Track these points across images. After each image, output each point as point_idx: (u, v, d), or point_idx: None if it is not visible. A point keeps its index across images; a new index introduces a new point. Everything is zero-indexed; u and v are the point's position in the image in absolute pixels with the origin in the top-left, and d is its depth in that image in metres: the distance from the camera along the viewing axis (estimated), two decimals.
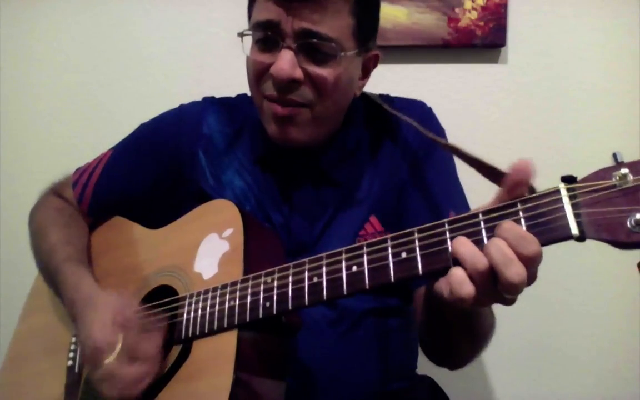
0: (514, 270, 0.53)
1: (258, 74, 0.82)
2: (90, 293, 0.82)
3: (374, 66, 0.91)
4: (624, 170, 0.52)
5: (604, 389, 1.35)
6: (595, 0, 1.31)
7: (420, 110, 0.95)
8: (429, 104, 0.98)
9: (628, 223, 0.50)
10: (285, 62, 0.78)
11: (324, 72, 0.79)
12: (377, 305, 0.89)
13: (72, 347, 0.89)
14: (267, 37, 0.80)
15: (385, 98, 0.97)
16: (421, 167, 0.91)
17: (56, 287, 0.89)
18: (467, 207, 0.89)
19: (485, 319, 0.77)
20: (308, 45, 0.78)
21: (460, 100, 1.34)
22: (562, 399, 1.37)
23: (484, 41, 1.30)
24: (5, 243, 1.43)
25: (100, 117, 1.40)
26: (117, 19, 1.39)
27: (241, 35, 0.83)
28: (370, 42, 0.86)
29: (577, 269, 1.31)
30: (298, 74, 0.79)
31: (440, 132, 0.95)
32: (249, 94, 0.91)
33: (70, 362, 0.88)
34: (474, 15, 1.29)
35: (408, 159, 0.91)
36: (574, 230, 0.53)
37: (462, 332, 0.77)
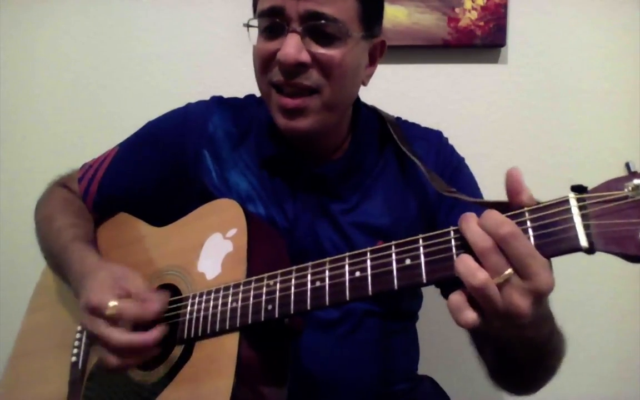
0: (493, 260, 0.52)
1: (264, 62, 0.81)
2: (95, 264, 0.83)
3: (381, 54, 0.90)
4: (637, 181, 0.51)
5: (604, 388, 1.36)
6: (595, 0, 1.31)
7: (437, 141, 0.94)
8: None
9: None
10: (292, 46, 0.77)
11: (331, 52, 0.79)
12: (379, 307, 0.89)
13: (76, 343, 0.89)
14: (272, 24, 0.79)
15: (402, 123, 0.96)
16: (443, 209, 0.89)
17: (62, 267, 0.89)
18: None
19: (554, 349, 0.71)
20: (314, 28, 0.78)
21: (460, 100, 1.34)
22: (562, 399, 1.37)
23: (484, 41, 1.30)
24: (6, 243, 1.43)
25: (100, 117, 1.40)
26: (117, 18, 1.39)
27: (247, 25, 0.83)
28: (375, 28, 0.86)
29: (577, 269, 1.31)
30: (305, 56, 0.78)
31: (459, 162, 0.94)
32: (254, 93, 0.90)
33: (74, 358, 0.88)
34: (474, 15, 1.29)
35: (429, 198, 0.89)
36: (583, 242, 0.52)
37: (528, 360, 0.71)
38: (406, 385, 0.94)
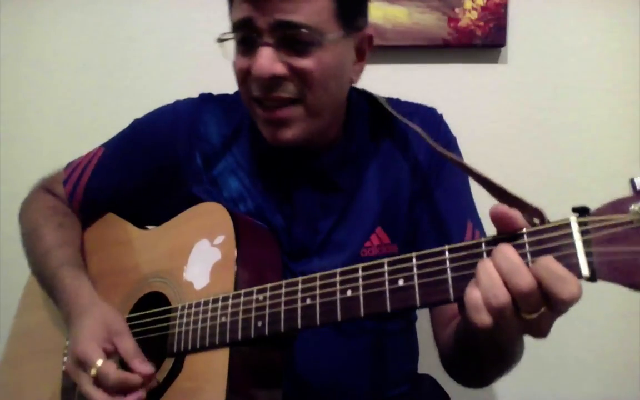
0: (497, 292, 0.50)
1: (242, 77, 0.79)
2: (88, 304, 0.81)
3: (370, 47, 0.85)
4: None
5: (604, 389, 1.36)
6: (595, 0, 1.31)
7: (430, 117, 0.91)
8: (428, 103, 0.96)
9: None
10: (264, 58, 0.74)
11: (307, 62, 0.75)
12: None
13: (66, 351, 0.87)
14: (244, 38, 0.77)
15: (395, 102, 0.93)
16: (431, 181, 0.88)
17: (52, 291, 0.88)
18: (479, 224, 0.86)
19: (517, 347, 0.71)
20: (286, 38, 0.74)
21: (460, 100, 1.34)
22: (563, 399, 1.37)
23: (484, 41, 1.30)
24: (6, 243, 1.43)
25: (99, 117, 1.40)
26: (116, 19, 1.39)
27: (221, 40, 0.79)
28: (358, 21, 0.80)
29: None
30: (279, 69, 0.75)
31: (451, 140, 0.91)
32: None
33: (65, 367, 0.86)
34: (474, 15, 1.29)
35: (418, 170, 0.88)
36: (585, 270, 0.49)
37: (494, 360, 0.72)
38: (406, 387, 0.93)
